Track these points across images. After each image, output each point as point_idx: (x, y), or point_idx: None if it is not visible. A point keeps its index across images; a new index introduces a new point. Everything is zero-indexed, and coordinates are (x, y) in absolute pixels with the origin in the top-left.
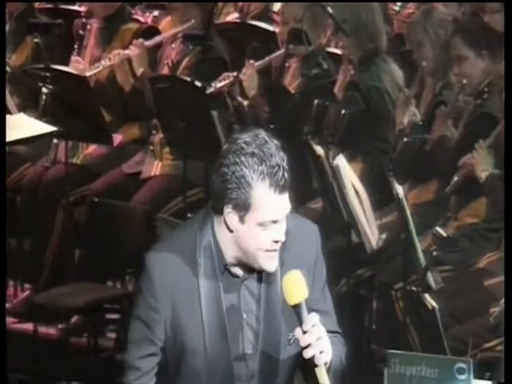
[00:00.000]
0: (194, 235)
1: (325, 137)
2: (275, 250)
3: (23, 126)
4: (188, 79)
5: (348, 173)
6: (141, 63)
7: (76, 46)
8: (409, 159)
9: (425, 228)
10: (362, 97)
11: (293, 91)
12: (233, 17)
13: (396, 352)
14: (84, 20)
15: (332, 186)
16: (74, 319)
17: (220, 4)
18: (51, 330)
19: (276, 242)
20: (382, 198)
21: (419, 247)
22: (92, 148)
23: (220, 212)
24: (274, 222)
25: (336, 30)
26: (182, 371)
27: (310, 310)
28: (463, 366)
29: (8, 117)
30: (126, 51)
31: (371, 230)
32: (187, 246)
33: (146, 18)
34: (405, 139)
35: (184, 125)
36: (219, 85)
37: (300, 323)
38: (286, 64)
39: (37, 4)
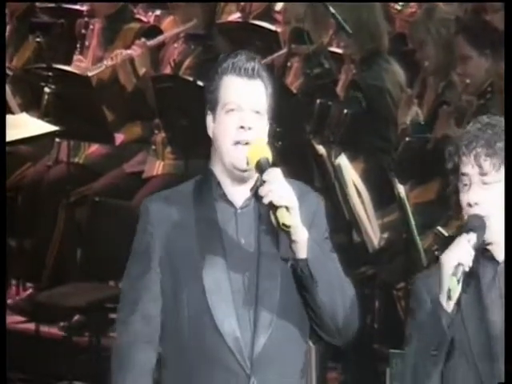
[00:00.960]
0: (193, 182)
1: (327, 136)
2: (244, 143)
3: (25, 125)
4: (190, 79)
5: (350, 172)
6: (143, 63)
7: (78, 46)
8: (410, 159)
9: (426, 227)
10: (364, 96)
11: (295, 91)
12: (235, 16)
13: (398, 351)
14: (86, 19)
15: (334, 185)
16: (75, 318)
17: (222, 3)
18: (53, 330)
19: (242, 127)
20: (383, 198)
21: (421, 247)
22: (94, 147)
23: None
24: (239, 106)
25: (338, 30)
26: (180, 302)
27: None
28: None
29: (10, 116)
30: (129, 51)
31: (373, 230)
32: (185, 189)
33: (148, 17)
34: (407, 139)
35: (186, 124)
36: None
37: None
38: (288, 63)
39: (38, 3)
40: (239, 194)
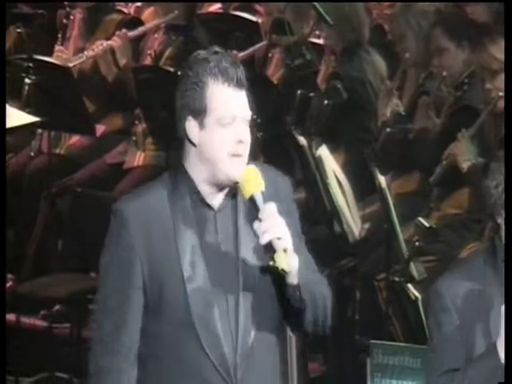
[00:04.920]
0: (166, 181)
1: (308, 127)
2: (240, 155)
3: (6, 116)
4: (171, 69)
5: (331, 163)
6: (124, 54)
7: (59, 36)
8: (391, 150)
9: (407, 218)
10: (345, 87)
11: (276, 82)
12: (216, 7)
13: (379, 342)
14: (68, 10)
15: (315, 176)
16: (56, 309)
17: None
18: (34, 321)
19: (240, 141)
20: (364, 189)
21: (402, 238)
22: (75, 138)
23: (184, 134)
24: (234, 118)
25: (319, 21)
26: (163, 313)
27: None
28: None
29: None
30: (109, 42)
31: (354, 221)
32: (159, 191)
33: (129, 8)
34: (387, 130)
35: (166, 115)
36: None
37: (257, 215)
38: (269, 54)
39: None
40: (217, 197)
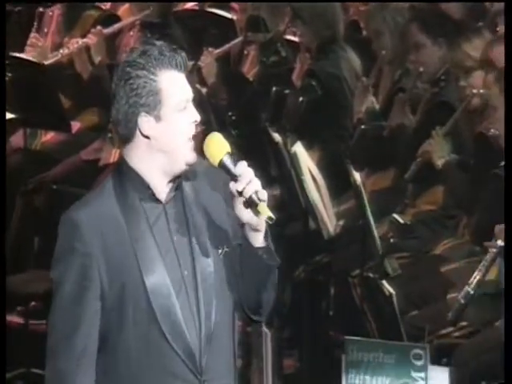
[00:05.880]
0: (112, 182)
1: (283, 124)
2: (195, 137)
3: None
4: None
5: (306, 160)
6: (99, 51)
7: (35, 24)
8: (366, 146)
9: (382, 215)
10: (320, 84)
11: (251, 79)
12: (191, 4)
13: (353, 338)
14: (45, 7)
15: (290, 173)
16: (32, 305)
17: None
18: (10, 317)
19: (196, 121)
20: (339, 185)
21: (376, 234)
22: (50, 135)
23: (133, 132)
24: (187, 101)
25: (294, 18)
26: (125, 312)
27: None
28: (420, 352)
29: None
30: (85, 39)
31: (329, 217)
32: (106, 194)
33: (104, 4)
34: (362, 126)
35: None
36: None
37: (231, 176)
38: (245, 52)
39: None
40: (163, 189)
